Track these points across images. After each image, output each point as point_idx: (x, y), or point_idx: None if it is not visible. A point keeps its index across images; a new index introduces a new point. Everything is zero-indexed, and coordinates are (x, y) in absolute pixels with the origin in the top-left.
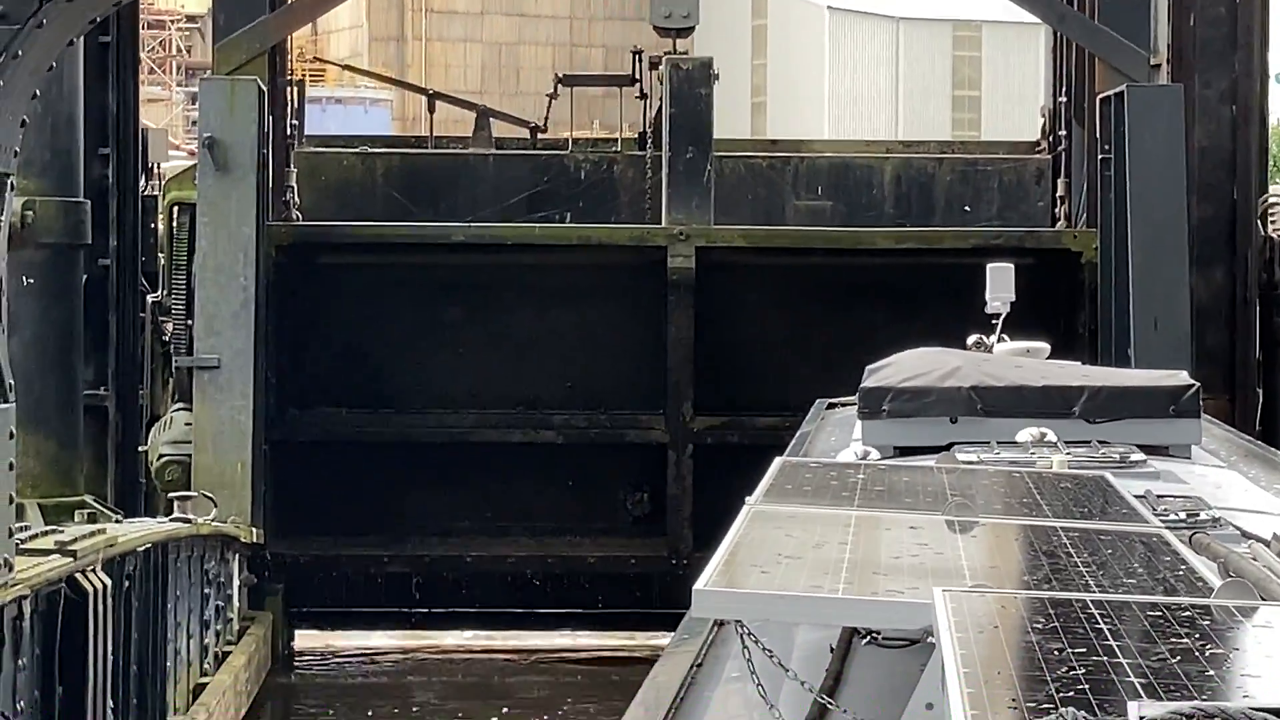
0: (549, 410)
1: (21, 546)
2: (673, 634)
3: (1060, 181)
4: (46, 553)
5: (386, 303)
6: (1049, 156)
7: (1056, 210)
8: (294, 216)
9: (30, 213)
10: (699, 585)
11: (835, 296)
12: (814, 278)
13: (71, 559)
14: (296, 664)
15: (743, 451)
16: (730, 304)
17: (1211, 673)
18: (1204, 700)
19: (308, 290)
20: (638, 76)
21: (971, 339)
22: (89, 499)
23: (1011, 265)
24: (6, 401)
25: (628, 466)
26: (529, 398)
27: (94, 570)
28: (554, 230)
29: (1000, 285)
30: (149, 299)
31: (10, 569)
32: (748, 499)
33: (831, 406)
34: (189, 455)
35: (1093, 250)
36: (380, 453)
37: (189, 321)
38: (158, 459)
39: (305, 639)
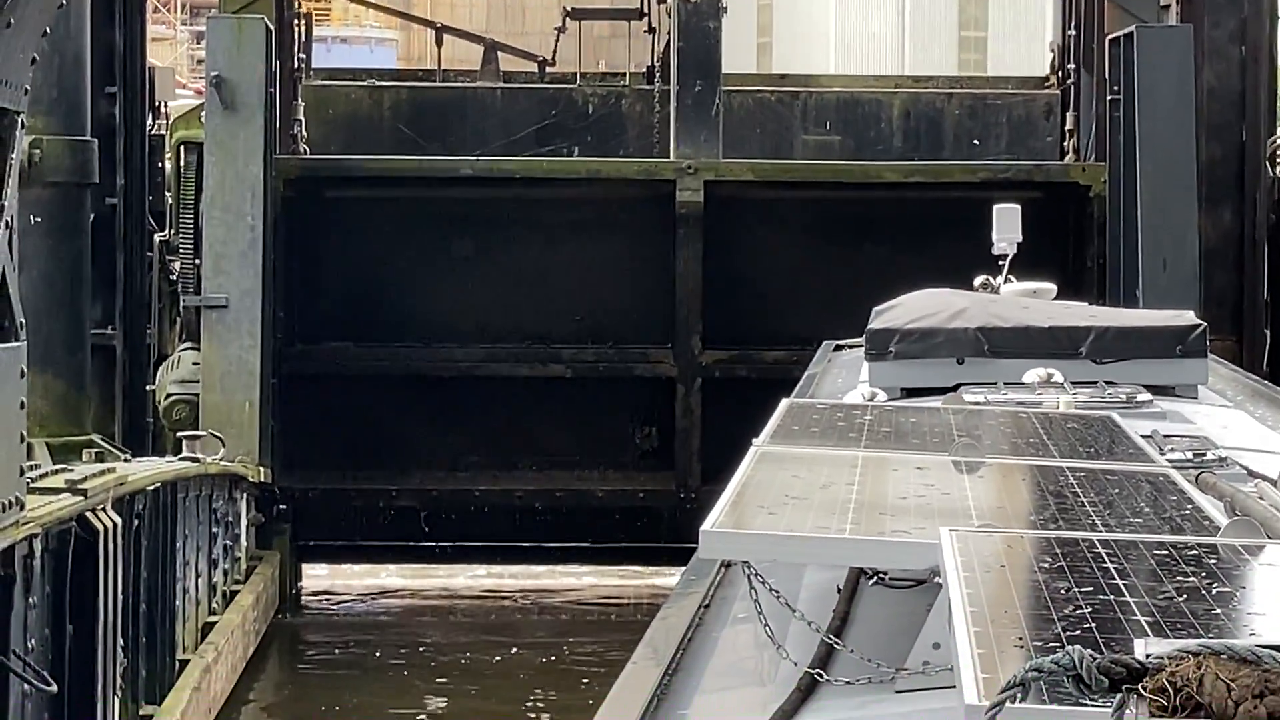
0: (557, 344)
1: (32, 485)
2: (680, 569)
3: (1069, 115)
4: (57, 491)
5: (394, 236)
6: (1057, 92)
7: (1065, 144)
8: (301, 150)
9: (37, 151)
10: (706, 526)
11: (844, 230)
12: (822, 212)
13: (82, 498)
14: (304, 603)
15: (751, 385)
16: (739, 238)
17: (1218, 611)
18: (1211, 638)
19: (315, 224)
20: (646, 10)
21: (978, 280)
22: (96, 438)
23: (1018, 206)
24: (17, 339)
25: (636, 401)
26: (537, 332)
27: (104, 509)
28: (562, 164)
29: (1007, 226)
30: (156, 238)
31: (21, 507)
32: (754, 440)
33: (839, 348)
34: (196, 395)
35: (1101, 184)
36: (388, 387)
37: (196, 261)
38: (165, 398)
39: (313, 580)
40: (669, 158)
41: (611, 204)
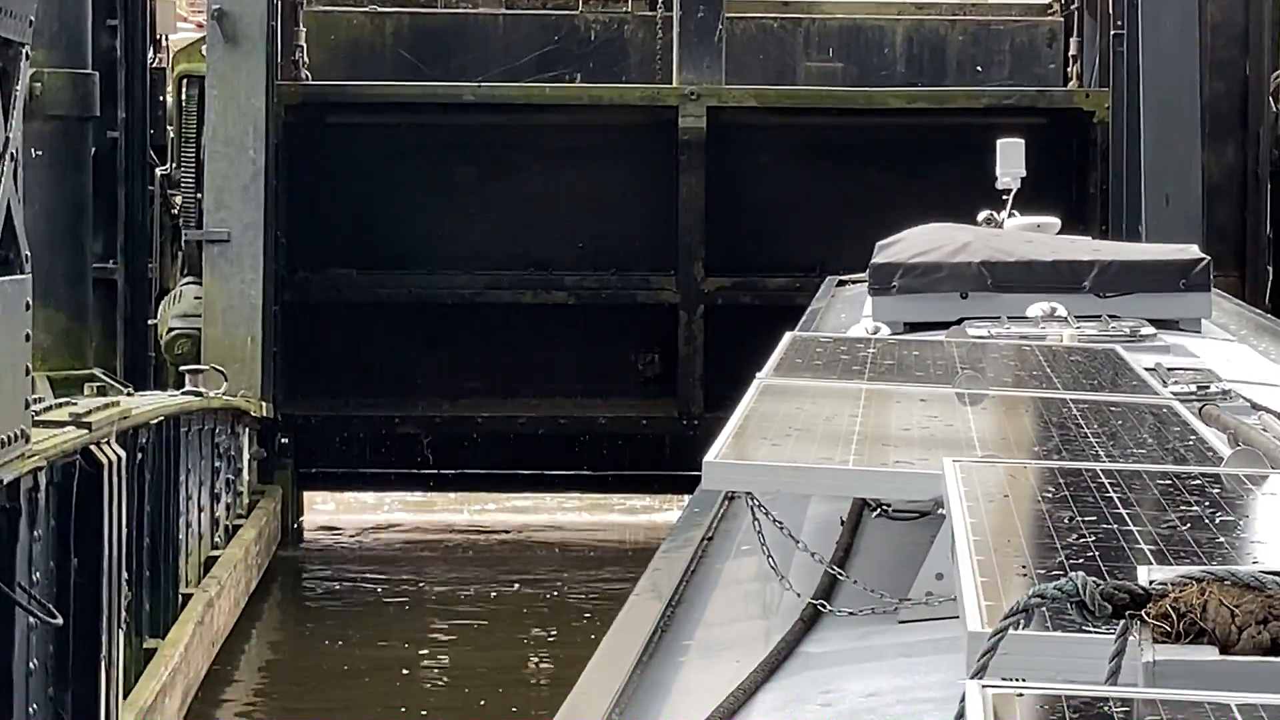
0: (560, 271)
1: (36, 418)
2: (682, 496)
3: (1072, 41)
4: (61, 425)
5: (397, 163)
6: (1060, 19)
7: (1068, 70)
8: (303, 77)
9: (38, 85)
10: (709, 458)
11: (847, 157)
12: (826, 138)
13: (86, 431)
14: (306, 537)
15: (754, 312)
16: (742, 165)
17: (1221, 539)
18: (1214, 565)
19: (318, 151)
20: None
21: (982, 215)
22: (98, 372)
23: (1022, 141)
24: (23, 272)
25: (639, 327)
26: (540, 259)
27: (108, 443)
28: (564, 90)
29: (1010, 161)
30: (158, 172)
31: (27, 440)
32: (757, 374)
33: (842, 283)
34: (198, 329)
35: (1105, 110)
36: (391, 314)
37: (198, 195)
38: (167, 332)
39: (315, 514)
40: (672, 84)
41: (614, 131)
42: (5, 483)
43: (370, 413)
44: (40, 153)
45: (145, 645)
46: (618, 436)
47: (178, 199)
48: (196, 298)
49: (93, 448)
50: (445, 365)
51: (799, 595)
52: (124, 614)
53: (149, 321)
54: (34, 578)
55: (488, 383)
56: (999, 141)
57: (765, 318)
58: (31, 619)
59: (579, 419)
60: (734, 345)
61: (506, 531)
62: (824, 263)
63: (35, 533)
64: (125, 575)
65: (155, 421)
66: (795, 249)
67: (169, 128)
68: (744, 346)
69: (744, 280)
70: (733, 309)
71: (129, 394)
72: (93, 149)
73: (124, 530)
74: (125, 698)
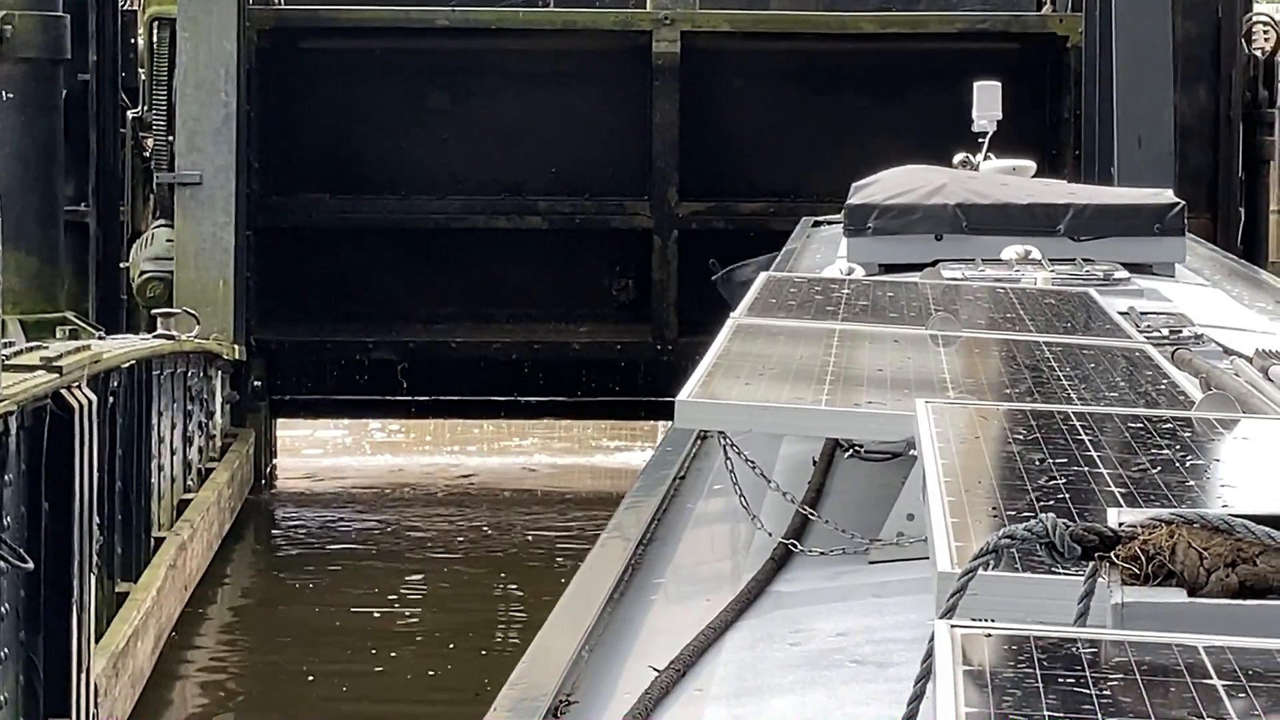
0: (534, 196)
1: (7, 363)
2: (656, 423)
3: None
4: (32, 369)
5: (370, 88)
6: None
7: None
8: (275, 1)
9: (9, 27)
10: (682, 396)
11: (821, 82)
12: (800, 63)
13: (57, 375)
14: (279, 481)
15: (727, 237)
16: (715, 89)
17: (1191, 482)
18: (1184, 508)
19: (290, 76)
20: None
21: (958, 157)
22: (70, 315)
23: (998, 84)
24: None
25: (613, 252)
26: (514, 183)
27: (79, 386)
28: (538, 15)
29: (987, 103)
30: (129, 115)
31: None
32: (731, 313)
33: (817, 224)
34: (171, 272)
35: (1078, 35)
36: (364, 239)
37: (170, 138)
38: (139, 276)
39: (289, 457)
40: (645, 9)
41: (588, 56)
42: None
43: (344, 338)
44: (11, 95)
45: (117, 589)
46: (592, 362)
47: (149, 142)
48: (168, 241)
49: (64, 392)
50: (419, 290)
51: (770, 535)
52: (95, 558)
53: (121, 265)
54: (5, 522)
55: (462, 308)
56: (975, 84)
57: (739, 242)
58: (3, 564)
59: (553, 344)
60: (708, 270)
61: (479, 475)
62: (798, 188)
63: (6, 477)
64: (97, 519)
65: (127, 365)
66: (769, 174)
67: (140, 70)
68: (718, 271)
69: (718, 205)
70: (706, 234)
71: (101, 337)
72: (64, 92)
73: (95, 474)
74: (97, 642)
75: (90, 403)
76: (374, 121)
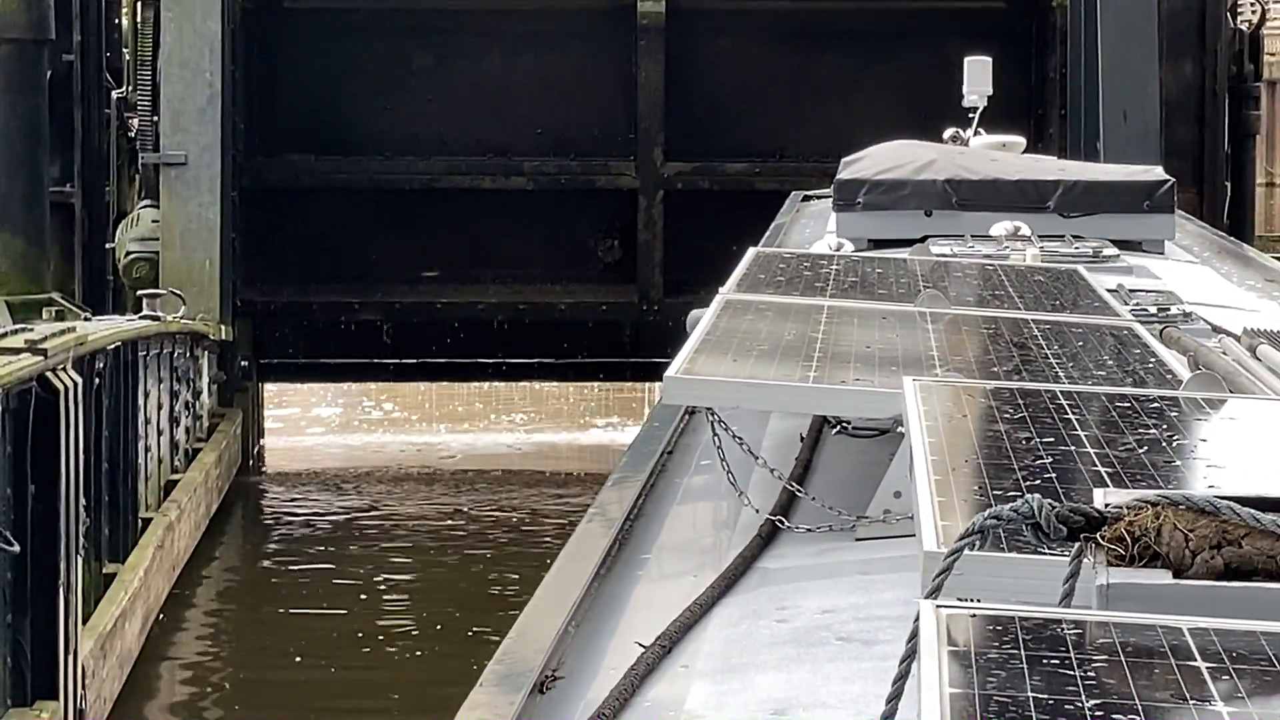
0: (519, 157)
1: None
2: (641, 384)
3: None
4: (17, 351)
5: (355, 48)
6: None
7: None
8: None
9: None
10: (670, 373)
11: (807, 42)
12: (785, 23)
13: (42, 357)
14: (266, 461)
15: (713, 197)
16: (701, 50)
17: (1178, 463)
18: (1170, 489)
19: (275, 37)
20: None
21: (947, 133)
22: (56, 296)
23: (989, 59)
24: None
25: (598, 213)
26: (499, 144)
27: (64, 368)
28: None
29: (977, 79)
30: (114, 95)
31: None
32: (720, 289)
33: (807, 199)
34: (156, 252)
35: None
36: (349, 199)
37: (155, 118)
38: (125, 256)
39: (276, 437)
40: None
41: (573, 16)
42: None
43: (329, 299)
44: None
45: (105, 570)
46: (577, 322)
47: (134, 122)
48: (154, 221)
49: (49, 374)
50: (404, 251)
51: (757, 511)
52: (82, 539)
53: (107, 245)
54: None
55: (447, 268)
56: (966, 59)
57: (725, 203)
58: None
59: (539, 305)
60: (693, 230)
61: (468, 454)
62: (784, 148)
63: None
64: (84, 501)
65: (112, 346)
66: (755, 134)
67: (124, 50)
68: (703, 231)
69: (703, 165)
70: (692, 194)
71: (87, 318)
72: (48, 72)
73: (81, 456)
74: (85, 623)
75: (75, 384)
76: (359, 82)
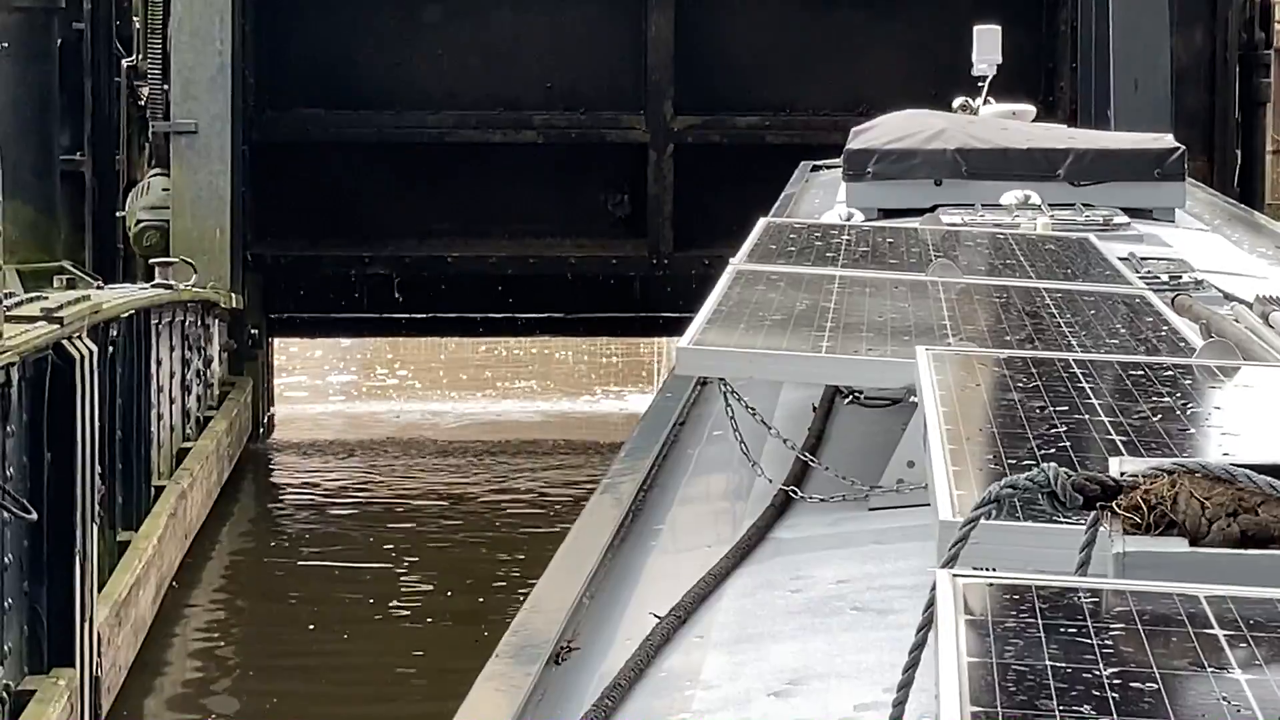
0: (529, 110)
1: (8, 314)
2: (653, 339)
3: None
4: (33, 319)
5: (364, 2)
6: None
7: None
8: None
9: None
10: (682, 343)
11: None
12: None
13: (58, 326)
14: (277, 429)
15: (723, 151)
16: (712, 3)
17: (1192, 431)
18: (1185, 457)
19: None
20: None
21: (957, 101)
22: (67, 265)
23: (998, 27)
24: None
25: (608, 167)
26: (509, 98)
27: (80, 337)
28: None
29: (987, 48)
30: (124, 63)
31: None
32: (731, 260)
33: (816, 169)
34: (167, 221)
35: None
36: (359, 153)
37: (165, 86)
38: (135, 225)
39: (286, 405)
40: None
41: None
42: None
43: (339, 253)
44: (5, 45)
45: (119, 538)
46: (588, 277)
47: (144, 90)
48: (164, 190)
49: (65, 342)
50: (414, 205)
51: (770, 481)
52: (98, 507)
53: (117, 214)
54: (8, 473)
55: (457, 223)
56: (976, 28)
57: (735, 156)
58: (6, 514)
59: (548, 259)
60: (704, 184)
61: (479, 422)
62: (794, 102)
63: (8, 428)
64: (98, 469)
65: (126, 315)
66: (765, 88)
67: (134, 19)
68: (714, 185)
69: (713, 119)
70: (702, 148)
71: (99, 287)
72: (58, 40)
73: (97, 424)
74: (100, 591)
75: (91, 353)
76: (369, 37)
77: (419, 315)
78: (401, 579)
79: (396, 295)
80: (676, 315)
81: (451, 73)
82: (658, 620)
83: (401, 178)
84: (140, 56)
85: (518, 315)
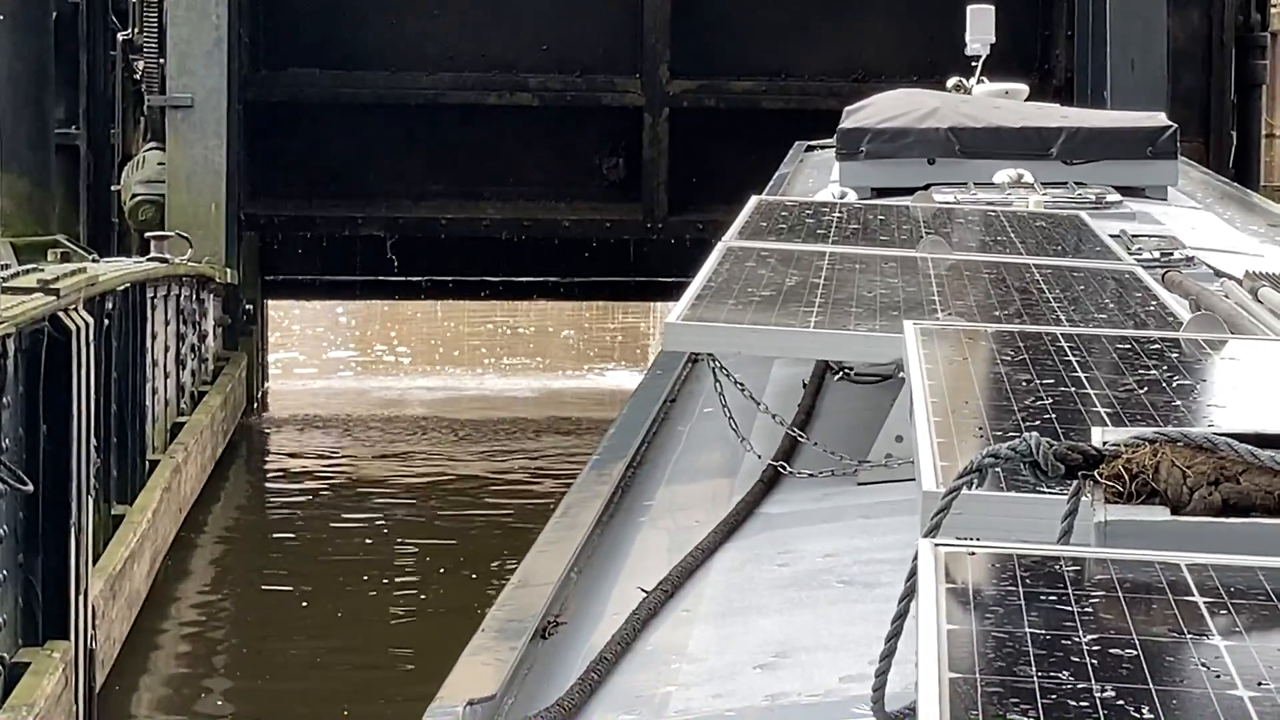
0: (524, 73)
1: (4, 285)
2: (646, 304)
3: None
4: (29, 291)
5: None
6: None
7: None
8: None
9: None
10: (671, 319)
11: None
12: None
13: (55, 297)
14: (270, 404)
15: (718, 115)
16: None
17: (1178, 403)
18: (1168, 427)
19: None
20: None
21: (951, 81)
22: (61, 238)
23: (991, 7)
24: None
25: (603, 130)
26: (504, 60)
27: (76, 309)
28: None
29: (980, 27)
30: (120, 37)
31: None
32: (722, 237)
33: (810, 149)
34: (162, 195)
35: None
36: (355, 114)
37: (161, 60)
38: (131, 199)
39: (280, 380)
40: None
41: None
42: None
43: (333, 213)
44: (1, 17)
45: (113, 512)
46: (582, 240)
47: (140, 64)
48: (160, 164)
49: (61, 314)
50: (409, 167)
51: (759, 457)
52: (93, 480)
53: (112, 187)
54: (3, 444)
55: (451, 184)
56: (969, 8)
57: (730, 121)
58: (2, 486)
59: (543, 222)
60: (699, 148)
61: (474, 399)
62: (789, 67)
63: (4, 399)
64: (94, 442)
65: (122, 288)
66: (761, 53)
67: None
68: (708, 150)
69: (709, 83)
70: (697, 112)
71: (94, 260)
72: (54, 13)
73: (92, 396)
74: (94, 564)
75: (87, 325)
76: None
77: (413, 278)
78: (395, 553)
79: (390, 257)
80: (670, 280)
81: (448, 34)
82: (645, 594)
83: (396, 139)
84: (136, 30)
85: (511, 279)
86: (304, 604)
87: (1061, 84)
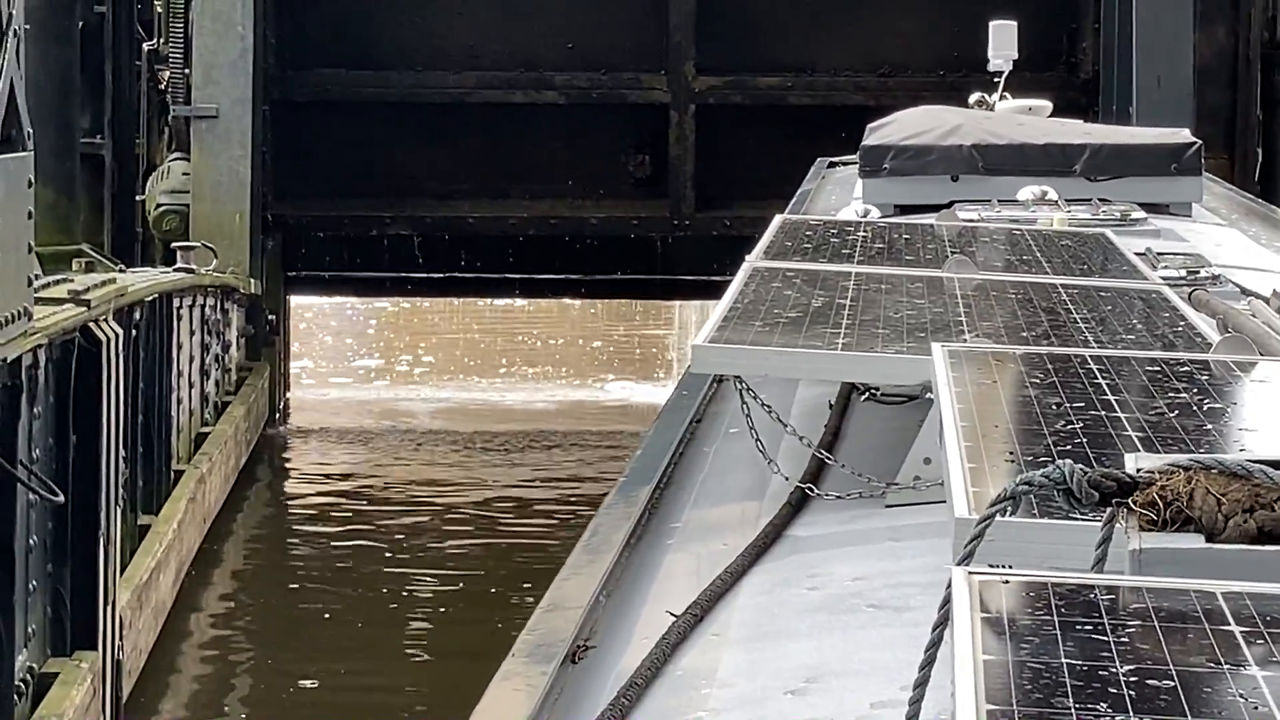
0: (550, 71)
1: (36, 296)
2: (673, 303)
3: None
4: (60, 302)
5: None
6: None
7: None
8: None
9: None
10: (697, 341)
11: None
12: None
13: (85, 308)
14: (293, 414)
15: (744, 112)
16: None
17: (1209, 426)
18: (1202, 453)
19: None
20: None
21: (973, 97)
22: (86, 248)
23: (1014, 23)
24: (25, 149)
25: (629, 127)
26: (530, 58)
27: (106, 320)
28: None
29: (1003, 43)
30: (145, 47)
31: (29, 318)
32: (747, 256)
33: (832, 165)
34: (186, 205)
35: None
36: (381, 113)
37: (186, 70)
38: (155, 209)
39: (302, 390)
40: None
41: None
42: (8, 361)
43: (360, 212)
44: (28, 27)
45: (139, 522)
46: (608, 238)
47: (165, 74)
48: (184, 174)
49: (91, 325)
50: (435, 165)
51: (786, 479)
52: (121, 491)
53: (136, 197)
54: (34, 455)
55: (478, 183)
56: (991, 24)
57: (756, 117)
58: (32, 496)
59: (569, 220)
60: (725, 145)
61: (497, 411)
62: (815, 62)
63: (35, 410)
64: (122, 452)
65: (150, 298)
66: (787, 48)
67: (156, 3)
68: (734, 146)
69: (735, 80)
70: (724, 108)
71: (120, 270)
72: (80, 23)
73: (121, 407)
74: (121, 574)
75: (117, 335)
76: None
77: (438, 275)
78: (418, 565)
79: (417, 255)
80: (697, 278)
81: (472, 32)
82: (674, 619)
83: (422, 138)
84: (161, 40)
85: (538, 276)
86: (326, 615)
87: (1088, 66)
